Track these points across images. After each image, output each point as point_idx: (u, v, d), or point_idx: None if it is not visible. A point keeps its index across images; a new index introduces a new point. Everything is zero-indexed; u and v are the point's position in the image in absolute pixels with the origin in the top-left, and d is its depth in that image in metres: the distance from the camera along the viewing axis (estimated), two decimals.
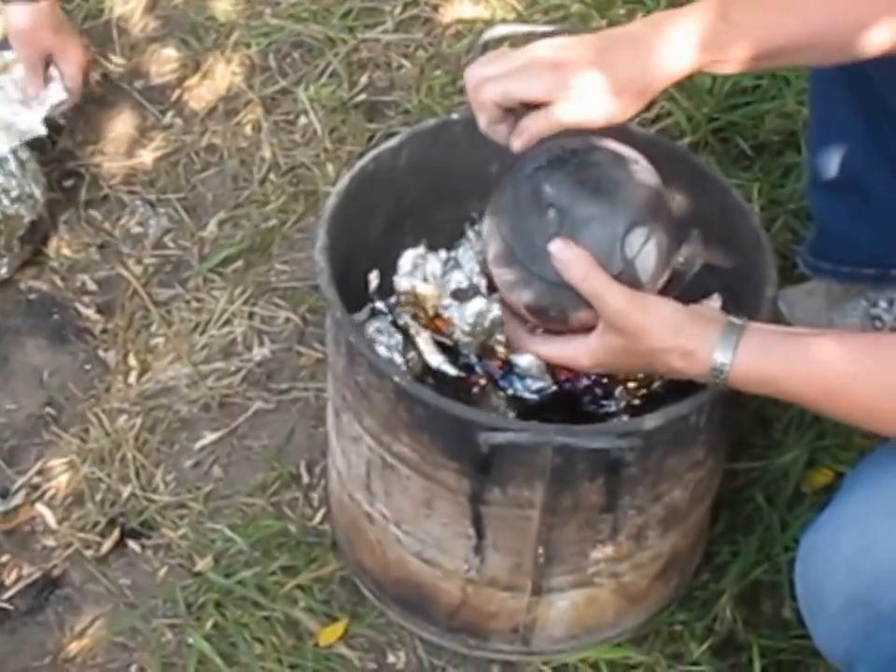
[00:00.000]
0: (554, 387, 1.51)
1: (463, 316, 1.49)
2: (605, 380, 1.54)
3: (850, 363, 1.26)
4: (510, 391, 1.51)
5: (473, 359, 1.53)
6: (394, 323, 1.55)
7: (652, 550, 1.58)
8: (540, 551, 1.52)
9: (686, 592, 1.72)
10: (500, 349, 1.49)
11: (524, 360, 1.48)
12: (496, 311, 1.45)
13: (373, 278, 1.56)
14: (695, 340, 1.31)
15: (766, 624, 1.70)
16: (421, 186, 1.65)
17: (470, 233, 1.60)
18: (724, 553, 1.75)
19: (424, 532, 1.56)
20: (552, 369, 1.51)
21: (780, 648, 1.66)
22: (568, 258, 1.36)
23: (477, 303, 1.48)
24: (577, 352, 1.39)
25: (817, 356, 1.27)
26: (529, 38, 2.20)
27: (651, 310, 1.33)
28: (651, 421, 1.39)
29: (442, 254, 1.62)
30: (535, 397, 1.51)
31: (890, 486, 1.27)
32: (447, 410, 1.41)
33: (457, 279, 1.57)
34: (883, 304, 1.84)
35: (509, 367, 1.51)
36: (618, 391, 1.54)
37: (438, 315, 1.53)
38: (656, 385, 1.53)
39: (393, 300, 1.56)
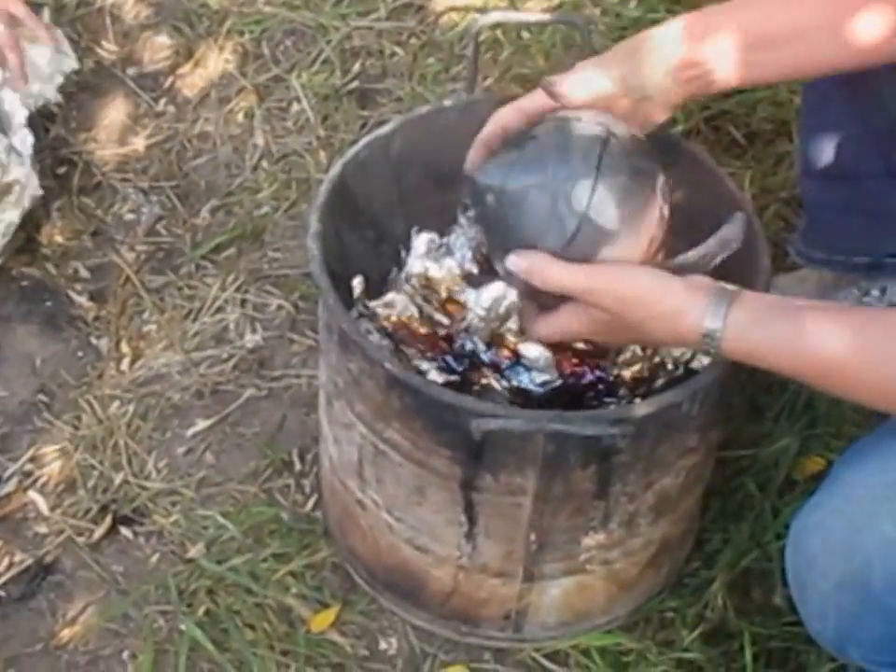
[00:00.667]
0: (559, 381, 1.51)
1: (479, 300, 1.49)
2: (610, 377, 1.54)
3: (849, 339, 1.23)
4: (514, 382, 1.52)
5: (481, 347, 1.53)
6: (380, 329, 1.55)
7: (644, 537, 1.58)
8: (532, 538, 1.52)
9: (677, 579, 1.73)
10: (511, 338, 1.49)
11: (532, 352, 1.48)
12: (512, 297, 1.45)
13: (357, 284, 1.56)
14: (682, 306, 1.28)
15: (757, 612, 1.70)
16: (413, 173, 1.65)
17: (462, 220, 1.61)
18: (715, 541, 1.75)
19: (416, 519, 1.56)
20: (558, 363, 1.51)
21: (771, 635, 1.67)
22: (524, 267, 1.33)
23: (495, 288, 1.47)
24: (570, 323, 1.36)
25: (815, 328, 1.24)
26: (522, 26, 2.23)
27: (627, 280, 1.31)
28: (642, 408, 1.39)
29: (436, 238, 1.62)
30: (540, 389, 1.51)
31: (881, 470, 1.27)
32: (439, 397, 1.41)
33: (449, 265, 1.57)
34: (875, 293, 1.84)
35: (516, 357, 1.51)
36: (622, 390, 1.54)
37: (450, 299, 1.53)
38: (659, 382, 1.53)
39: (375, 306, 1.56)
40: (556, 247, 1.33)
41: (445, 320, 1.53)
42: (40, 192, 2.00)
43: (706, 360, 1.49)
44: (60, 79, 2.10)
